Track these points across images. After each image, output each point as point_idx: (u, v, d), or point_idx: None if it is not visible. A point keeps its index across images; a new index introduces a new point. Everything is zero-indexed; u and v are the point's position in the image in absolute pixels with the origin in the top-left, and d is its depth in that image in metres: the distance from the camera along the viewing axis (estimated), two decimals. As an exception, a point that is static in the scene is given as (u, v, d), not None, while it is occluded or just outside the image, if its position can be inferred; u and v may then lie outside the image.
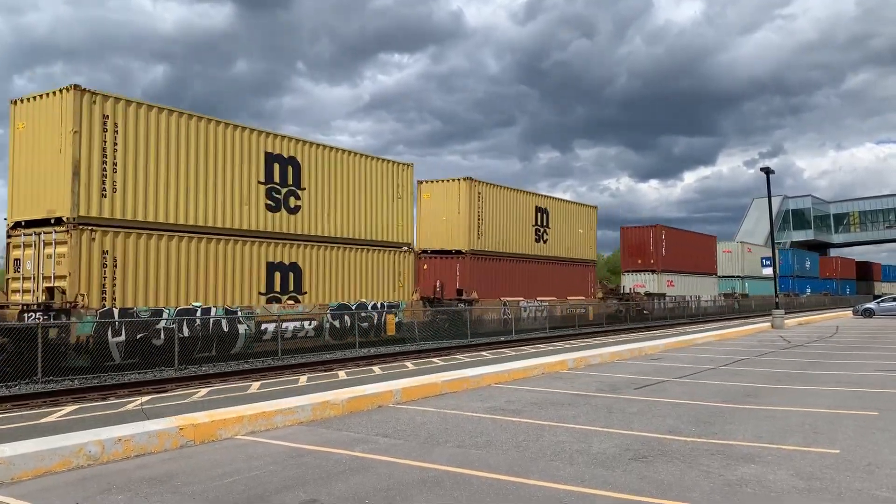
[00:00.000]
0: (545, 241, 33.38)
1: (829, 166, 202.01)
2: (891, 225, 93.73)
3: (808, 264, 74.85)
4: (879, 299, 44.05)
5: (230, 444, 7.50)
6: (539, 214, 33.01)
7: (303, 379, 13.45)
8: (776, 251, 41.21)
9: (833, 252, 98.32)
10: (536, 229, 32.72)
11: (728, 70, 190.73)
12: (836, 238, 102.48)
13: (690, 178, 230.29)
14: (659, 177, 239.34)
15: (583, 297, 35.55)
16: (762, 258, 61.75)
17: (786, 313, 47.96)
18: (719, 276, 56.58)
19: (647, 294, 42.37)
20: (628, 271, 45.16)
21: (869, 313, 40.39)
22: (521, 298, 30.72)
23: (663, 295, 43.67)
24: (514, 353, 18.15)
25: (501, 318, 28.73)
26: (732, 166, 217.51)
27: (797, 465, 6.31)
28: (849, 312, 45.33)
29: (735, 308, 54.40)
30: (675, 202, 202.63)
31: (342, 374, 14.05)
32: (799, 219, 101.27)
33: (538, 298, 31.92)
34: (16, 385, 13.81)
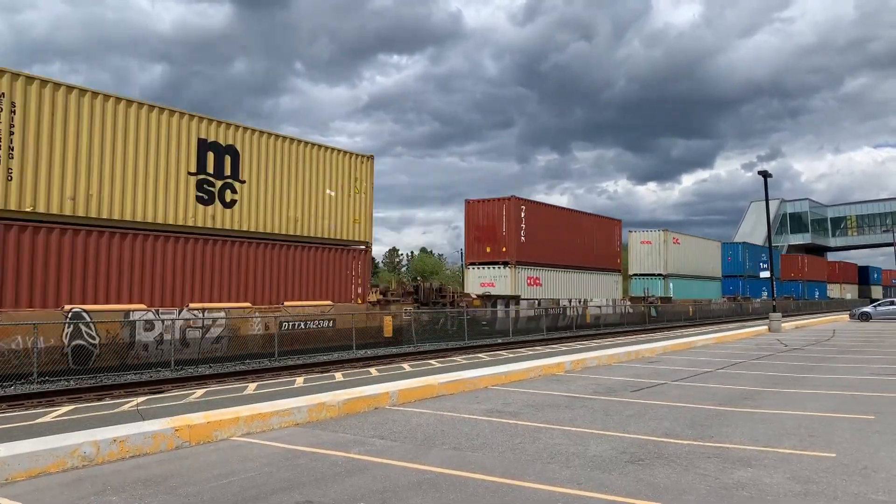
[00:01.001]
0: (229, 205, 19.23)
1: (826, 169, 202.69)
2: (888, 229, 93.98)
3: (763, 262, 63.73)
4: (876, 303, 44.17)
5: (226, 446, 7.49)
6: (210, 155, 18.99)
7: (299, 380, 13.43)
8: (772, 249, 40.32)
9: (830, 256, 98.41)
10: (202, 182, 18.77)
11: (726, 73, 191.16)
12: (834, 242, 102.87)
13: (688, 180, 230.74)
14: (657, 179, 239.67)
15: (329, 302, 21.49)
16: (760, 262, 60.40)
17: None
18: (634, 275, 46.36)
19: (487, 297, 29.50)
20: (473, 265, 32.91)
21: (866, 317, 40.52)
22: (142, 307, 16.86)
23: (517, 298, 30.98)
24: (511, 355, 18.13)
25: (64, 348, 15.07)
26: (730, 169, 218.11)
27: (793, 468, 6.31)
28: (845, 316, 45.68)
29: (650, 316, 41.75)
30: (673, 205, 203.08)
31: (339, 376, 14.02)
32: (796, 222, 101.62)
33: (193, 307, 17.88)
34: (11, 385, 13.77)
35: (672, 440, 7.55)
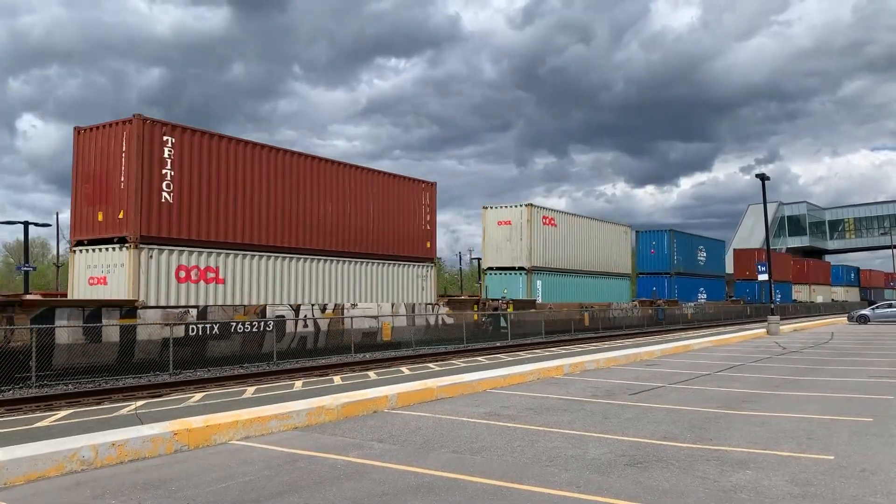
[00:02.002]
0: None
1: (824, 172, 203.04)
2: (885, 231, 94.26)
3: (702, 257, 49.55)
4: (874, 306, 44.25)
5: (224, 449, 7.48)
6: None
7: (298, 384, 13.42)
8: (770, 252, 39.84)
9: (828, 258, 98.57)
10: None
11: (724, 76, 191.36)
12: (832, 244, 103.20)
13: (686, 183, 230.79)
14: (655, 182, 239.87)
15: None
16: (758, 264, 59.06)
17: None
18: (490, 269, 33.64)
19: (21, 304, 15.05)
20: (81, 244, 18.23)
21: (864, 319, 40.60)
22: None
23: (130, 308, 16.49)
24: (509, 358, 18.14)
25: None
26: (728, 172, 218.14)
27: (792, 471, 6.32)
28: (843, 319, 45.89)
29: (500, 328, 28.18)
30: (671, 208, 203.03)
31: (337, 379, 14.02)
32: (794, 225, 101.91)
33: None
34: (9, 389, 13.76)
35: (671, 443, 7.56)
